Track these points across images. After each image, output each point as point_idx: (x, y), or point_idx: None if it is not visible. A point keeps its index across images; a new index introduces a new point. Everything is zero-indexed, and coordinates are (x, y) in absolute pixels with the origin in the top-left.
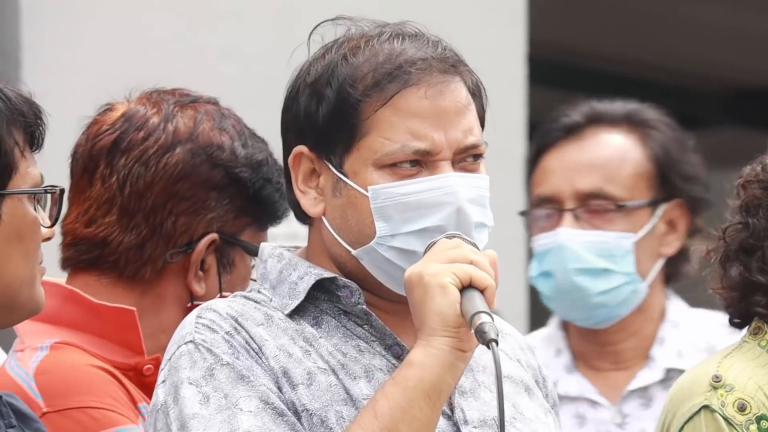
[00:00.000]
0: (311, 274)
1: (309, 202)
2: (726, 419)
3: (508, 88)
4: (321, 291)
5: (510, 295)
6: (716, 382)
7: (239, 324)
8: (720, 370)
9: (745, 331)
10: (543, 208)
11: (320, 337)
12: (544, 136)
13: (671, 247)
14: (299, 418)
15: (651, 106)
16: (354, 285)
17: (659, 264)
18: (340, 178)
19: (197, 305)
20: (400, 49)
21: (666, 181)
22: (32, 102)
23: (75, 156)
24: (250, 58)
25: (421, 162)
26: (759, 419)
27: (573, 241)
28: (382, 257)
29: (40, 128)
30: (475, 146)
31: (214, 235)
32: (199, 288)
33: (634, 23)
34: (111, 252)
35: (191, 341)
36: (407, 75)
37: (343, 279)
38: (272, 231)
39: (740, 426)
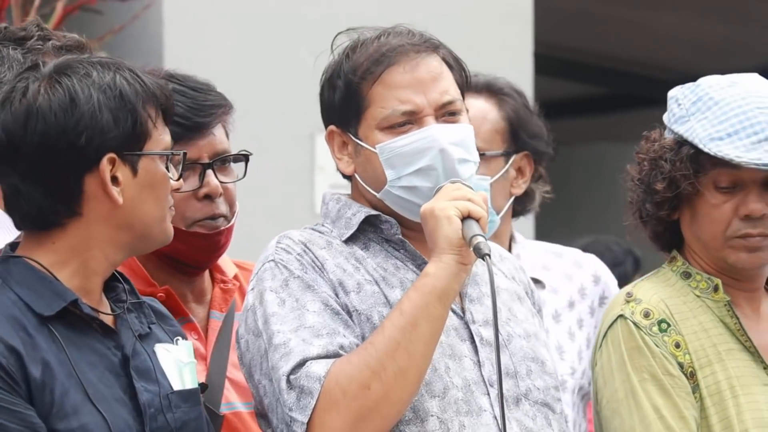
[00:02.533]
0: (362, 211)
1: (343, 165)
2: (635, 323)
3: (517, 76)
4: (368, 224)
5: None
6: (629, 297)
7: (307, 248)
8: (633, 290)
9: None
10: None
11: (367, 258)
12: None
13: (520, 188)
14: (350, 317)
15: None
16: (393, 219)
17: (510, 201)
18: (358, 143)
19: None
20: (384, 42)
21: (516, 137)
22: (164, 86)
23: None
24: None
25: (411, 120)
26: (660, 322)
27: None
28: (395, 196)
29: (170, 106)
30: (451, 102)
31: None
32: None
33: (618, 28)
34: None
35: (272, 260)
36: (389, 58)
37: (385, 215)
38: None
39: (646, 328)
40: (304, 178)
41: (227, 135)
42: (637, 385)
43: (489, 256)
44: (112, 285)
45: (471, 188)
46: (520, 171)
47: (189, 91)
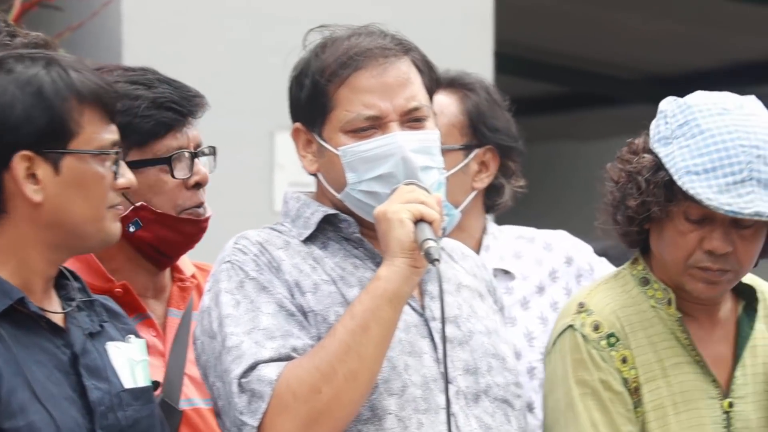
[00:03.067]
0: (320, 210)
1: (307, 163)
2: (583, 336)
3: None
4: (327, 224)
5: None
6: (580, 308)
7: (264, 248)
8: (586, 299)
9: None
10: None
11: (326, 257)
12: None
13: (482, 182)
14: (306, 318)
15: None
16: (351, 218)
17: (471, 196)
18: (321, 144)
19: (121, 220)
20: (355, 43)
21: (476, 131)
22: (106, 84)
23: None
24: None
25: (375, 125)
26: (608, 336)
27: None
28: (355, 199)
29: (112, 103)
30: (417, 109)
31: None
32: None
33: (576, 26)
34: None
35: (228, 261)
36: (357, 61)
37: (343, 214)
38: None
39: (594, 341)
40: (263, 175)
41: None
42: (577, 399)
43: (438, 261)
44: (63, 283)
45: (427, 190)
46: (483, 165)
47: (172, 81)
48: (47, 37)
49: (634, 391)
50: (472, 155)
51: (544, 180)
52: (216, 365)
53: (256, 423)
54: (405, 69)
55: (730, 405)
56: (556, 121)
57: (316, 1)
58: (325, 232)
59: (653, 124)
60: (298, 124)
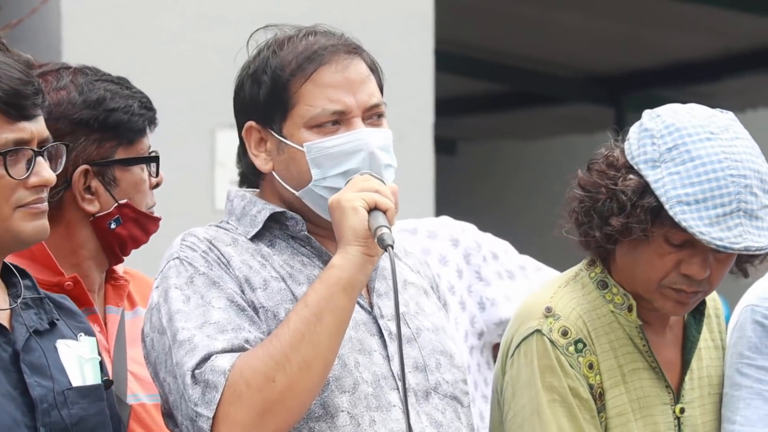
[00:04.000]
0: (267, 209)
1: (261, 162)
2: (551, 341)
3: (419, 74)
4: (274, 222)
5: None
6: (548, 313)
7: (212, 244)
8: (552, 302)
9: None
10: None
11: (273, 255)
12: None
13: None
14: (257, 314)
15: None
16: (298, 216)
17: None
18: (281, 141)
19: (100, 217)
20: (314, 40)
21: None
22: (18, 86)
23: None
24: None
25: (339, 120)
26: (576, 342)
27: None
28: (318, 195)
29: (28, 104)
30: (377, 105)
31: (83, 167)
32: (92, 207)
33: (517, 25)
34: None
35: (177, 257)
36: (321, 57)
37: (291, 212)
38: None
39: (562, 347)
40: (204, 173)
41: None
42: (545, 404)
43: (392, 247)
44: (13, 281)
45: (382, 181)
46: None
47: (137, 92)
48: None
49: (599, 397)
50: None
51: (485, 179)
52: (166, 361)
53: (210, 413)
54: (362, 66)
55: (681, 411)
56: (497, 119)
57: (255, 0)
58: (272, 230)
59: (635, 140)
60: (251, 123)
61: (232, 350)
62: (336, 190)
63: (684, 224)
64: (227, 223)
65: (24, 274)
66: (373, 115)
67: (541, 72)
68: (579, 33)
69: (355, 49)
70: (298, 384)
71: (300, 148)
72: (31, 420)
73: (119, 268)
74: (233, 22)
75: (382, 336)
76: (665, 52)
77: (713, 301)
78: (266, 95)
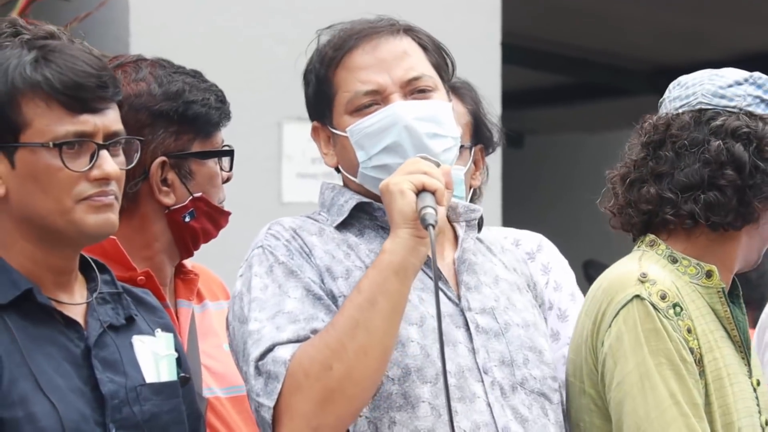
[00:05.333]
0: (354, 198)
1: (329, 159)
2: (653, 305)
3: (485, 66)
4: (363, 212)
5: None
6: (643, 278)
7: (297, 234)
8: (644, 269)
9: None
10: None
11: (361, 244)
12: None
13: (477, 180)
14: (336, 303)
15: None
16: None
17: (470, 194)
18: (333, 132)
19: (176, 210)
20: (349, 28)
21: (477, 131)
22: (86, 77)
23: None
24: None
25: (377, 100)
26: (674, 305)
27: None
28: (370, 177)
29: (95, 96)
30: (417, 78)
31: (161, 159)
32: (168, 199)
33: (583, 17)
34: None
35: (261, 246)
36: (349, 43)
37: (377, 203)
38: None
39: (663, 310)
40: (271, 166)
41: None
42: (653, 369)
43: (434, 226)
44: (92, 275)
45: (437, 162)
46: (476, 163)
47: (212, 85)
48: (53, 28)
49: (698, 362)
50: (471, 153)
51: (550, 171)
52: (243, 350)
53: (272, 404)
54: (399, 43)
55: (758, 383)
56: (563, 111)
57: None
58: (362, 220)
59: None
60: (315, 123)
61: (297, 341)
62: (383, 167)
63: None
64: (319, 214)
65: (103, 269)
66: (415, 89)
67: (608, 64)
68: (645, 25)
69: (392, 29)
70: (356, 371)
71: (344, 134)
72: (100, 416)
73: (187, 263)
74: (298, 14)
75: (468, 329)
76: (732, 44)
77: None
78: (314, 92)
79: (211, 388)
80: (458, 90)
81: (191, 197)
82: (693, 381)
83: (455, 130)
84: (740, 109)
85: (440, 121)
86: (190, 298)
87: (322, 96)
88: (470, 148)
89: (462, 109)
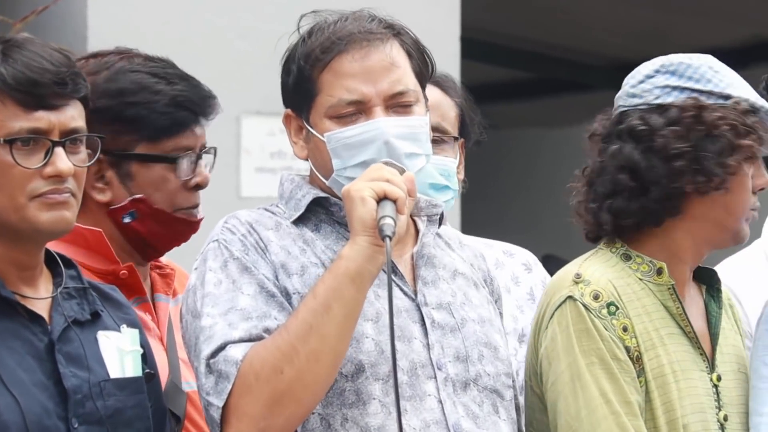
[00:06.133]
0: (311, 193)
1: (298, 149)
2: (584, 305)
3: (445, 61)
4: (320, 207)
5: None
6: (577, 279)
7: (253, 228)
8: (580, 270)
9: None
10: None
11: (317, 240)
12: None
13: (461, 174)
14: (290, 300)
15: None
16: (342, 202)
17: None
18: (308, 130)
19: (114, 209)
20: (340, 27)
21: (463, 124)
22: (41, 73)
23: None
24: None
25: (360, 110)
26: (608, 305)
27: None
28: (341, 185)
29: (50, 92)
30: (401, 93)
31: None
32: (102, 196)
33: (541, 13)
34: None
35: (216, 240)
36: (339, 46)
37: (334, 198)
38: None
39: (595, 310)
40: (229, 161)
41: None
42: (584, 368)
43: (390, 238)
44: (58, 270)
45: (401, 168)
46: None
47: (191, 78)
48: None
49: (636, 360)
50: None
51: (510, 166)
52: (195, 345)
53: (221, 403)
54: (390, 52)
55: (719, 378)
56: (523, 106)
57: None
58: (318, 214)
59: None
60: (288, 111)
61: (249, 340)
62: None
63: None
64: (277, 206)
65: (69, 264)
66: (397, 104)
67: (568, 59)
68: (605, 20)
69: (384, 34)
70: (306, 376)
71: (322, 138)
72: (63, 410)
73: (162, 258)
74: (258, 8)
75: (424, 324)
76: (692, 39)
77: (725, 293)
78: (293, 84)
79: (189, 382)
80: (442, 84)
81: (131, 198)
82: (628, 379)
83: (429, 146)
84: (648, 105)
85: (418, 138)
86: (168, 292)
87: (303, 92)
88: (457, 140)
89: (450, 102)
